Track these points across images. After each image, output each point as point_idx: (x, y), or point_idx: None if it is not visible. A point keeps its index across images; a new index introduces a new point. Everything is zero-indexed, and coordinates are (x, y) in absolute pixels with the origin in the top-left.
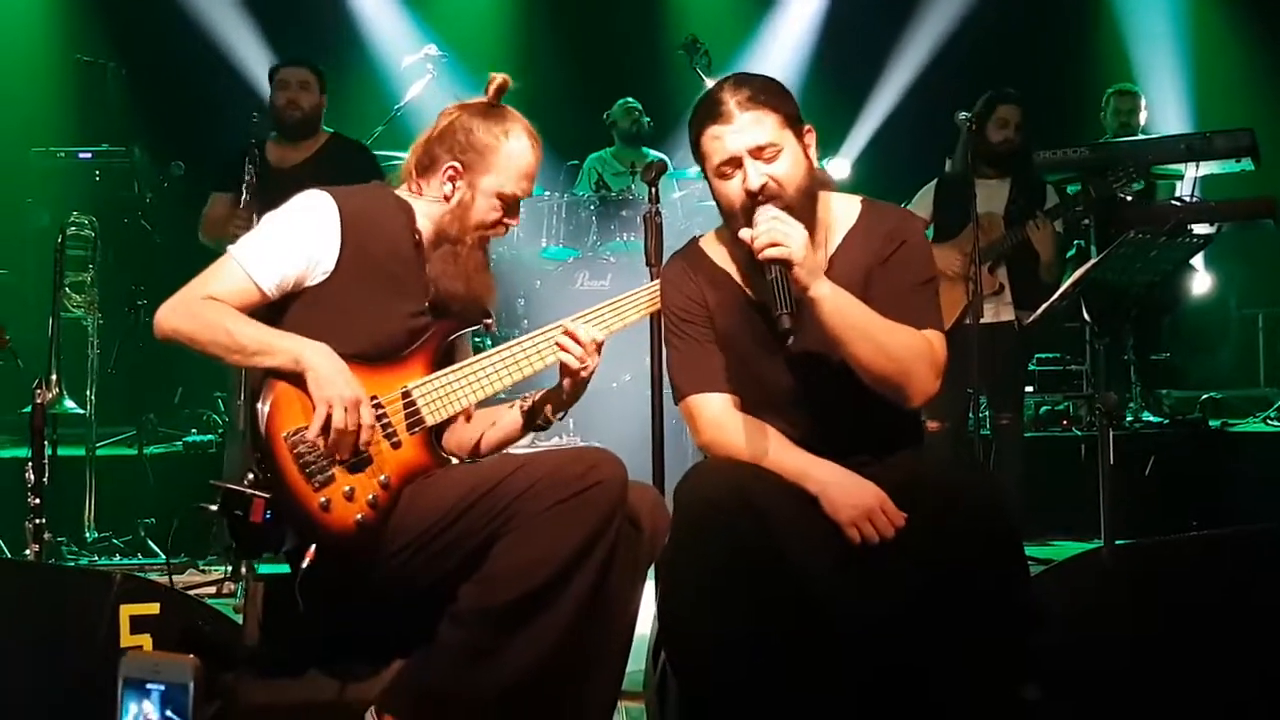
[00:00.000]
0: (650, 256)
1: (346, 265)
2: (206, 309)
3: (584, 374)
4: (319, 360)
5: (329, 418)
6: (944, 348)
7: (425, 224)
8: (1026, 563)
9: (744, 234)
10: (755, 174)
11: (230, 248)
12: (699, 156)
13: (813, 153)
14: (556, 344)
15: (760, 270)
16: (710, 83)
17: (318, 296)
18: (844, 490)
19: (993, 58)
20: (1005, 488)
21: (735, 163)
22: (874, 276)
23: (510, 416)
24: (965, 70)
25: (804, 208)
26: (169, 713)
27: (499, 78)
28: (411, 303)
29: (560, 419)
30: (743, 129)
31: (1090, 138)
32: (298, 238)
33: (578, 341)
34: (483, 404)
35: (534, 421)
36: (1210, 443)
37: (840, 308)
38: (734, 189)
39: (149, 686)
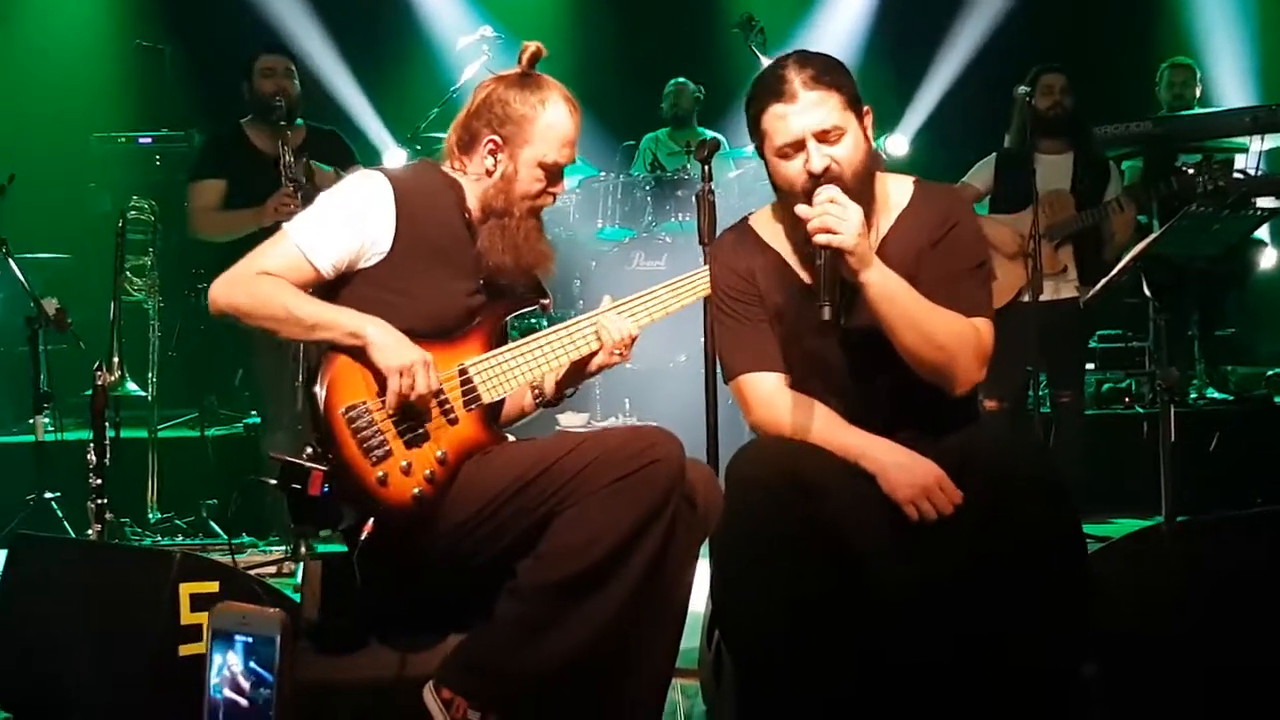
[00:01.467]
0: (704, 235)
1: (401, 245)
2: (262, 284)
3: (612, 363)
4: (377, 333)
5: (400, 384)
6: (991, 336)
7: (473, 201)
8: (1084, 539)
9: (800, 210)
10: (818, 157)
11: (286, 225)
12: (757, 134)
13: (870, 134)
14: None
15: (813, 249)
16: (766, 61)
17: (373, 277)
18: (902, 469)
19: (1051, 32)
20: (1059, 465)
21: (798, 145)
22: (925, 259)
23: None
24: (1023, 46)
25: (862, 189)
26: (253, 664)
27: (531, 46)
28: (466, 281)
29: (570, 395)
30: (807, 109)
31: (1152, 113)
32: (354, 217)
33: (610, 335)
34: None
35: (542, 397)
36: (1276, 419)
37: (889, 294)
38: (794, 170)
39: (236, 638)
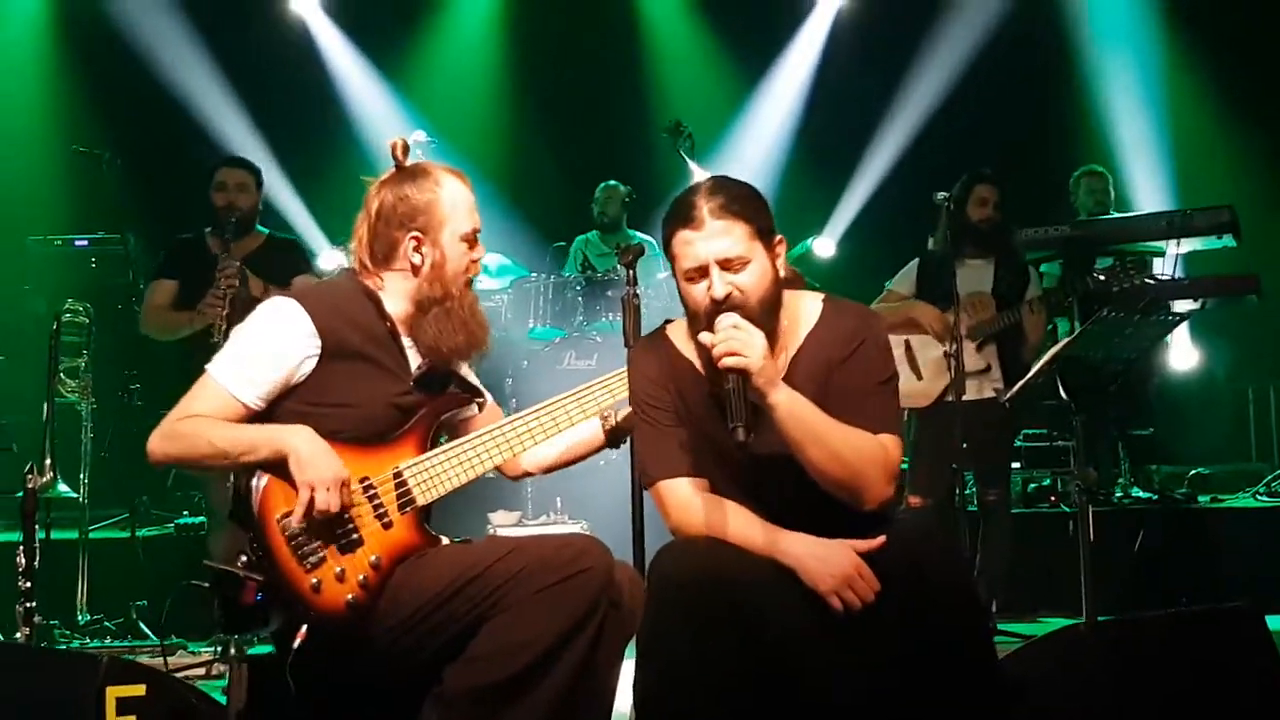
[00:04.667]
0: (629, 338)
1: (327, 360)
2: (185, 427)
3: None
4: (299, 442)
5: (312, 500)
6: (899, 452)
7: (398, 305)
8: (991, 642)
9: (704, 338)
10: (720, 284)
11: (208, 367)
12: (669, 256)
13: (780, 263)
14: None
15: (720, 374)
16: (694, 166)
17: (304, 393)
18: (820, 560)
19: (973, 137)
20: (984, 562)
21: (703, 270)
22: (834, 376)
23: (592, 431)
24: (946, 149)
25: (765, 317)
26: None
27: (397, 141)
28: (396, 384)
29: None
30: (712, 237)
31: (1066, 218)
32: (274, 350)
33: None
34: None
35: (618, 438)
36: (1199, 519)
37: (796, 414)
38: (699, 293)
39: None
